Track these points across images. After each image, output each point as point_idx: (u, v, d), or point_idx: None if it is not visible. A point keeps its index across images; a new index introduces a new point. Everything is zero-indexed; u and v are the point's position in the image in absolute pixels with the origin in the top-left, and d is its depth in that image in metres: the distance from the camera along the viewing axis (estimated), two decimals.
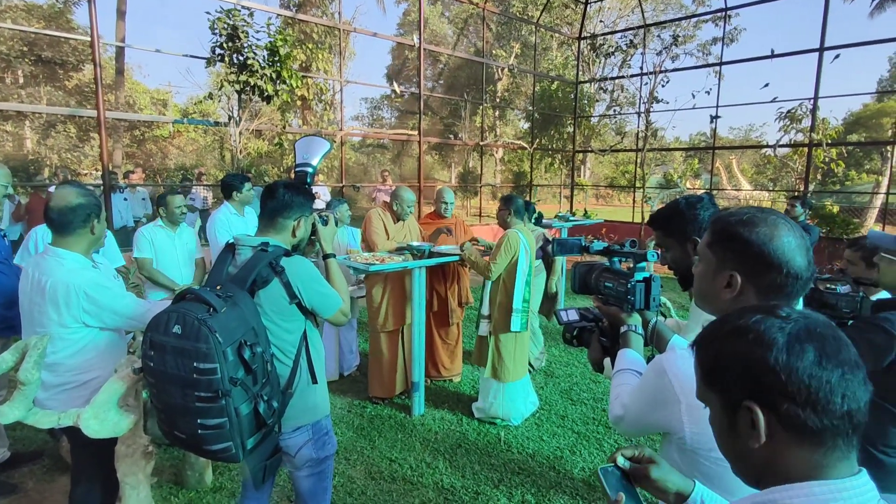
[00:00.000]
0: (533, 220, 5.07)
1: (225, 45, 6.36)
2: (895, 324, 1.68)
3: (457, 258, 4.04)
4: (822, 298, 1.89)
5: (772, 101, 10.64)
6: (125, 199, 7.83)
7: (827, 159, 10.08)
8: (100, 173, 6.74)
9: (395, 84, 11.76)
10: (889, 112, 21.47)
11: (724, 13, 11.75)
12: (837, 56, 9.63)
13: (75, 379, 2.08)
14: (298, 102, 12.89)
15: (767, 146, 11.12)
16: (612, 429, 3.70)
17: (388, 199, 4.46)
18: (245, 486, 2.10)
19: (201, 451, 1.61)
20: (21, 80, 16.23)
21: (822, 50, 9.58)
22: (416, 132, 10.68)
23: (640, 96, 12.64)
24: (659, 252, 1.57)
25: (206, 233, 4.03)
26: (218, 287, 1.72)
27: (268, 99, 6.82)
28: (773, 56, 10.61)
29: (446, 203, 4.57)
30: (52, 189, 5.41)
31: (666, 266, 1.63)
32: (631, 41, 13.13)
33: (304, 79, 9.75)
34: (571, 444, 3.62)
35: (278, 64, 6.65)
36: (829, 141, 9.96)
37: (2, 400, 3.01)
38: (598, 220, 8.63)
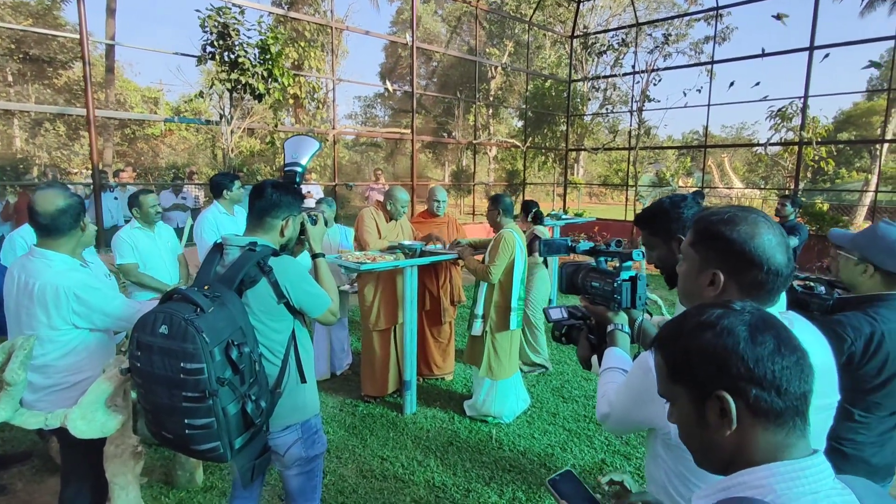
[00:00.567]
0: (530, 218, 5.09)
1: (216, 42, 6.32)
2: (846, 326, 1.69)
3: (449, 257, 4.04)
4: (796, 297, 1.92)
5: (762, 100, 10.73)
6: (115, 199, 7.76)
7: (817, 157, 10.17)
8: (90, 172, 6.68)
9: (388, 82, 11.75)
10: (878, 111, 21.67)
11: (715, 12, 11.81)
12: (827, 55, 9.71)
13: (65, 380, 2.07)
14: (291, 101, 12.83)
15: (758, 144, 11.20)
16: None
17: (381, 197, 4.46)
18: (235, 485, 2.10)
19: (189, 451, 1.61)
20: (9, 78, 16.07)
21: (811, 49, 9.65)
22: (409, 131, 10.67)
23: (633, 95, 12.69)
24: (643, 252, 1.59)
25: (194, 232, 3.98)
26: (205, 287, 1.71)
27: (259, 97, 6.78)
28: (763, 55, 10.69)
29: (438, 201, 4.58)
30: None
31: (653, 265, 1.65)
32: (623, 40, 13.18)
33: (297, 77, 9.72)
34: (562, 442, 3.64)
35: (270, 62, 6.61)
36: (819, 139, 10.04)
37: None
38: (591, 219, 8.67)
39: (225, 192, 3.95)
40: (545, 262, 4.93)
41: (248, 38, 6.48)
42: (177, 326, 1.52)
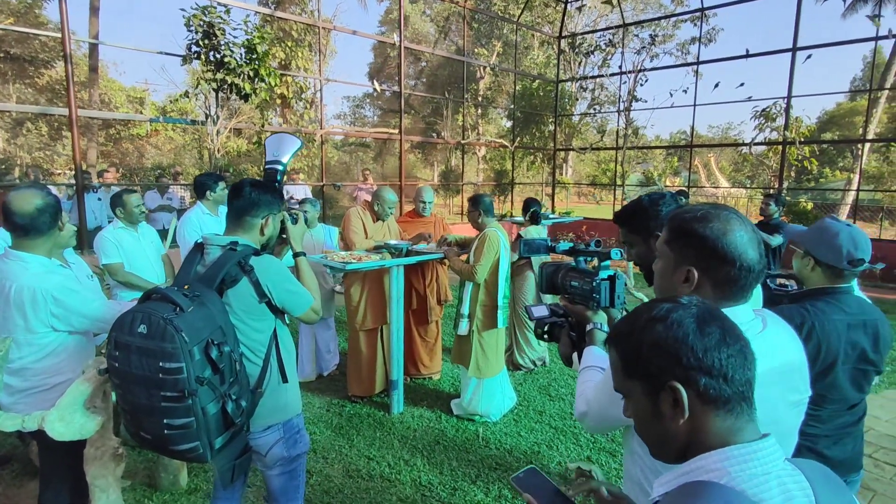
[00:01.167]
0: (528, 217, 5.09)
1: (201, 42, 6.27)
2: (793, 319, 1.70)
3: (435, 257, 4.04)
4: (770, 294, 1.96)
5: (747, 101, 10.86)
6: (99, 199, 7.66)
7: (800, 157, 10.32)
8: (73, 173, 6.59)
9: (376, 82, 11.72)
10: (861, 111, 22.01)
11: (701, 13, 11.93)
12: (809, 56, 9.85)
13: (44, 382, 2.05)
14: (278, 101, 12.76)
15: (743, 144, 11.33)
16: None
17: (369, 198, 4.45)
18: (217, 486, 2.09)
19: (168, 451, 1.60)
20: None
21: (794, 50, 9.79)
22: (397, 131, 10.66)
23: (620, 95, 12.78)
24: (623, 251, 1.60)
25: (177, 232, 3.94)
26: (185, 286, 1.70)
27: (245, 97, 6.74)
28: (748, 56, 10.82)
29: (424, 202, 4.58)
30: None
31: (632, 262, 1.66)
32: (610, 40, 13.27)
33: (284, 77, 9.67)
34: (549, 440, 3.65)
35: (256, 62, 6.57)
36: (802, 139, 10.19)
37: None
38: (578, 218, 8.71)
39: (208, 192, 3.91)
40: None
41: (234, 37, 6.44)
42: (156, 326, 1.51)
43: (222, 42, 6.31)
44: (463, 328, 3.86)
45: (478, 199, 3.90)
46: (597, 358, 1.40)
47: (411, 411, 4.01)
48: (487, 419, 3.88)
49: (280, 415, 1.92)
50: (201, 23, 6.16)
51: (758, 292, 1.55)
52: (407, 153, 12.83)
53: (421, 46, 17.62)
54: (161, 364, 1.49)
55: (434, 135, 21.49)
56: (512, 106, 14.81)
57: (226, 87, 6.49)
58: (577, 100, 15.08)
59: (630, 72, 12.31)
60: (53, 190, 8.26)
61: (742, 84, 10.75)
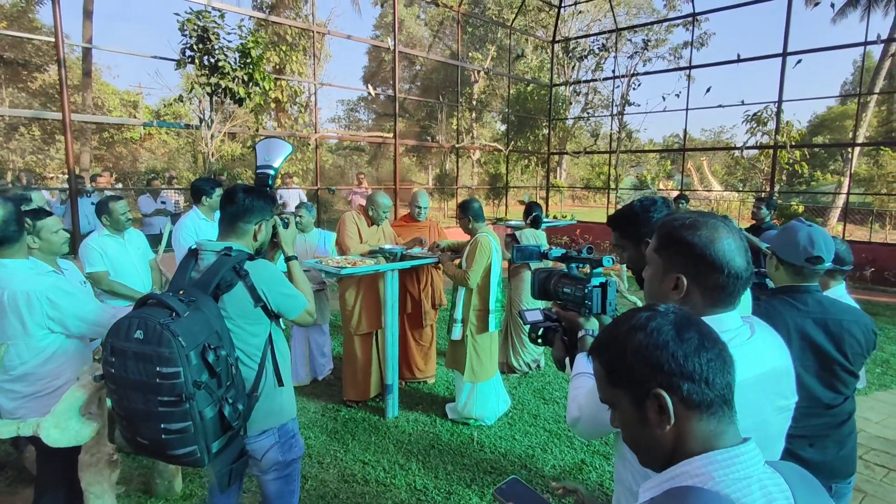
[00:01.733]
0: (529, 221, 5.10)
1: (195, 46, 6.27)
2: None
3: (430, 261, 4.06)
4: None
5: (739, 105, 10.96)
6: (92, 204, 7.63)
7: (791, 161, 10.41)
8: (66, 177, 6.57)
9: (370, 86, 11.74)
10: (851, 115, 22.24)
11: (692, 18, 12.04)
12: (800, 61, 9.95)
13: (47, 387, 2.08)
14: (272, 105, 12.76)
15: (735, 148, 11.43)
16: None
17: (364, 201, 4.46)
18: (212, 491, 2.09)
19: (165, 456, 1.60)
20: None
21: (785, 55, 9.90)
22: (392, 134, 10.68)
23: (613, 99, 12.86)
24: (615, 257, 1.62)
25: (172, 237, 3.93)
26: (181, 292, 1.71)
27: (240, 101, 6.74)
28: (739, 60, 10.92)
29: (419, 207, 4.59)
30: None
31: (625, 266, 1.69)
32: (604, 45, 13.36)
33: (278, 81, 9.67)
34: (543, 443, 3.67)
35: (250, 66, 6.58)
36: (793, 143, 10.29)
37: None
38: (572, 221, 8.75)
39: (204, 198, 3.89)
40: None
41: (229, 42, 6.44)
42: (152, 331, 1.52)
43: (217, 46, 6.31)
44: (456, 333, 3.87)
45: (466, 206, 3.91)
46: (589, 364, 1.41)
47: (406, 415, 4.02)
48: (482, 423, 3.89)
49: (275, 419, 1.93)
50: (196, 27, 6.17)
51: (746, 298, 1.57)
52: (402, 157, 12.87)
53: (415, 51, 17.68)
54: (158, 369, 1.50)
55: (428, 138, 21.52)
56: (506, 110, 14.87)
57: (220, 91, 6.49)
58: (571, 104, 15.17)
59: (623, 76, 12.41)
60: (46, 194, 8.23)
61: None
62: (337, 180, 21.40)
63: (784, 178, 15.51)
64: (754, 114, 10.63)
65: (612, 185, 13.43)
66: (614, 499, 1.32)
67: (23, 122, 15.73)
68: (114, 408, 1.64)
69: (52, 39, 6.13)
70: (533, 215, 5.12)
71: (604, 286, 1.44)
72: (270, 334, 1.90)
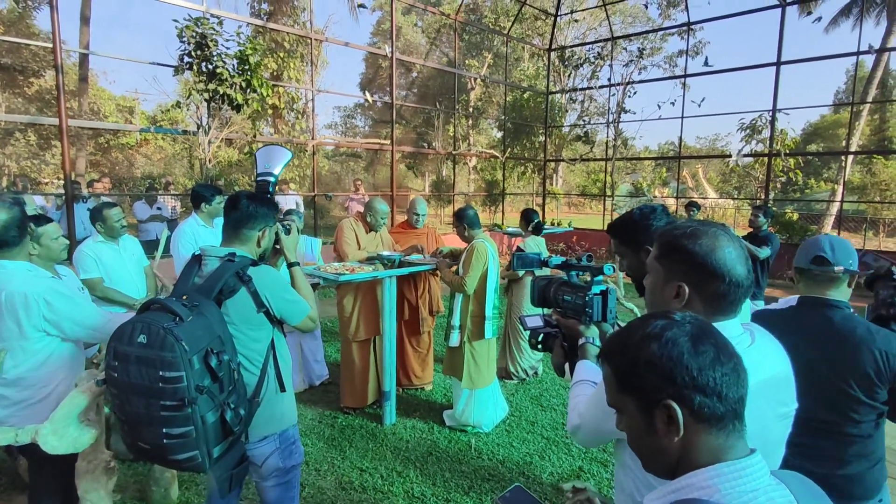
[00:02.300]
0: (531, 228, 5.11)
1: (193, 53, 6.29)
2: None
3: (427, 268, 4.07)
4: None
5: (734, 113, 11.06)
6: (88, 210, 7.61)
7: (786, 169, 10.49)
8: (62, 182, 6.55)
9: (367, 93, 11.79)
10: (844, 123, 22.46)
11: (687, 27, 12.16)
12: (791, 62, 10.04)
13: (38, 393, 2.05)
14: (270, 111, 12.78)
15: (730, 156, 11.52)
16: None
17: (361, 208, 4.47)
18: (211, 497, 2.08)
19: (166, 461, 1.60)
20: None
21: (778, 64, 10.00)
22: (389, 141, 10.71)
23: (609, 107, 12.94)
24: (615, 265, 1.63)
25: (171, 244, 3.92)
26: (184, 297, 1.72)
27: (237, 108, 6.76)
28: (733, 70, 11.03)
29: (418, 214, 4.60)
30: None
31: (624, 273, 1.69)
32: (599, 53, 13.46)
33: (276, 88, 9.69)
34: (541, 450, 3.67)
35: (248, 73, 6.60)
36: (788, 151, 10.37)
37: None
38: (568, 228, 8.78)
39: (203, 204, 3.89)
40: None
41: (227, 48, 6.47)
42: (155, 335, 1.52)
43: (215, 53, 6.34)
44: (454, 340, 3.87)
45: (462, 213, 3.92)
46: (589, 372, 1.42)
47: (404, 422, 4.01)
48: (480, 430, 3.89)
49: (276, 425, 1.93)
50: (194, 34, 6.19)
51: (746, 306, 1.58)
52: (398, 163, 12.89)
53: (412, 58, 17.77)
54: (161, 373, 1.50)
55: (425, 145, 21.58)
56: (503, 117, 14.94)
57: (218, 97, 6.51)
58: (567, 111, 15.26)
59: (619, 84, 12.50)
60: (39, 200, 8.19)
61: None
62: (333, 186, 21.40)
63: (778, 185, 15.62)
64: (749, 122, 10.73)
65: (608, 193, 13.49)
66: None
67: (18, 128, 15.69)
68: (115, 412, 1.64)
69: (50, 45, 6.13)
70: (535, 223, 5.13)
71: (604, 294, 1.45)
72: (273, 340, 1.90)
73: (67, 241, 2.78)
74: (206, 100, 6.56)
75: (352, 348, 4.13)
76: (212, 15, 6.79)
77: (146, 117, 19.36)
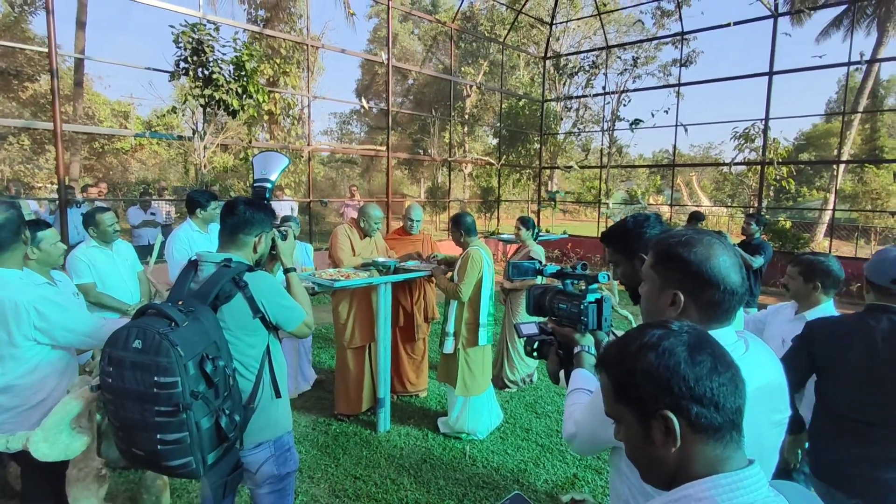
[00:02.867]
0: (534, 237, 5.09)
1: (189, 58, 6.30)
2: None
3: (422, 274, 4.07)
4: None
5: (727, 122, 11.16)
6: (82, 215, 7.57)
7: (778, 177, 10.58)
8: (55, 187, 6.52)
9: (363, 99, 11.82)
10: (836, 132, 22.69)
11: (681, 37, 12.28)
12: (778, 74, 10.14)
13: (28, 400, 2.03)
14: (265, 117, 12.78)
15: (724, 164, 11.61)
16: None
17: (356, 214, 4.47)
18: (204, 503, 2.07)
19: (160, 467, 1.59)
20: None
21: (771, 73, 10.11)
22: (384, 147, 10.72)
23: (604, 115, 13.03)
24: (610, 273, 1.64)
25: (165, 249, 3.90)
26: (179, 302, 1.72)
27: (233, 113, 6.76)
28: (726, 79, 11.14)
29: (412, 221, 4.61)
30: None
31: (618, 281, 1.70)
32: (594, 62, 13.57)
33: (271, 94, 9.71)
34: (535, 457, 3.66)
35: (244, 78, 6.61)
36: (780, 160, 10.46)
37: None
38: (563, 235, 8.80)
39: (199, 210, 3.88)
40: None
41: (223, 54, 6.47)
42: (150, 340, 1.52)
43: (211, 59, 6.34)
44: (448, 347, 3.87)
45: (459, 219, 3.92)
46: (584, 380, 1.42)
47: (398, 429, 4.00)
48: (474, 437, 3.88)
49: (271, 432, 1.92)
50: (190, 39, 6.20)
51: (739, 314, 1.60)
52: (394, 170, 12.91)
53: (408, 65, 17.84)
54: (156, 378, 1.49)
55: (421, 151, 21.62)
56: (498, 124, 15.01)
57: (214, 102, 6.51)
58: (562, 119, 15.35)
59: (613, 92, 12.59)
60: (33, 204, 8.14)
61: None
62: (329, 192, 21.39)
63: (771, 193, 15.74)
64: (742, 131, 10.82)
65: (603, 200, 13.55)
66: None
67: (12, 132, 15.62)
68: (109, 419, 1.63)
69: (45, 49, 6.12)
70: (536, 230, 5.13)
71: (599, 302, 1.45)
72: (268, 346, 1.90)
73: (65, 247, 2.76)
74: (201, 105, 6.56)
75: (347, 355, 4.12)
76: (208, 21, 6.80)
77: (141, 122, 19.31)
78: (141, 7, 6.69)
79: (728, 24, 10.85)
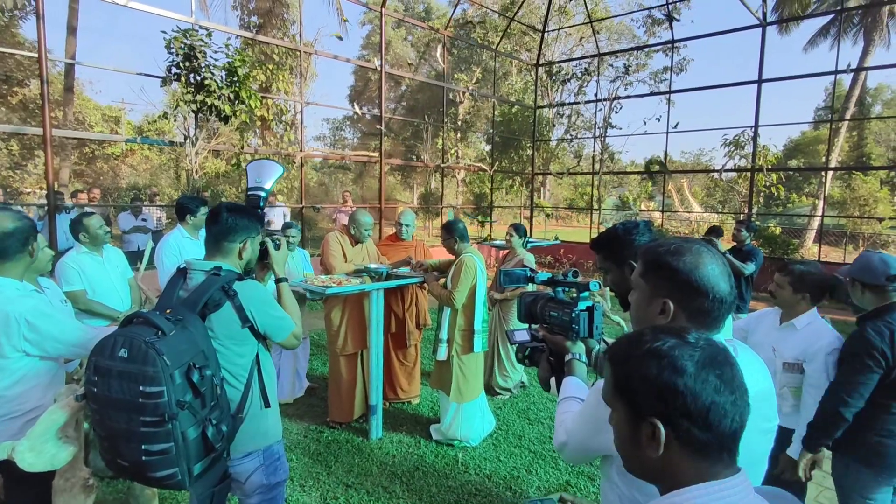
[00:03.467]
0: (524, 244, 5.09)
1: (181, 64, 6.28)
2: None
3: (415, 281, 4.06)
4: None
5: (717, 129, 11.28)
6: (70, 221, 7.50)
7: (768, 184, 10.69)
8: (44, 192, 6.47)
9: (356, 105, 11.82)
10: (824, 140, 22.97)
11: (672, 45, 12.40)
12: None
13: (15, 410, 2.00)
14: (258, 123, 12.76)
15: (714, 171, 11.71)
16: None
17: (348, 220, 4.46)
18: None
19: (145, 478, 1.57)
20: None
21: (760, 82, 10.22)
22: (377, 153, 10.72)
23: (596, 121, 13.11)
24: (600, 281, 1.65)
25: (155, 255, 3.87)
26: (167, 311, 1.70)
27: (225, 119, 6.74)
28: (716, 87, 11.26)
29: (402, 225, 4.60)
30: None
31: (608, 287, 1.71)
32: (586, 69, 13.66)
33: (264, 99, 9.69)
34: (528, 464, 3.65)
35: (237, 84, 6.60)
36: (770, 166, 10.57)
37: None
38: (556, 242, 8.83)
39: (189, 216, 3.85)
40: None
41: (215, 60, 6.46)
42: (137, 349, 1.50)
43: (203, 64, 6.33)
44: (442, 353, 3.86)
45: (452, 226, 3.92)
46: (575, 388, 1.41)
47: (390, 437, 3.98)
48: (467, 444, 3.86)
49: (260, 441, 1.90)
50: (183, 45, 6.18)
51: (728, 321, 1.61)
52: (387, 176, 12.91)
53: (401, 71, 17.88)
54: (141, 388, 1.47)
55: (414, 158, 21.65)
56: (491, 130, 15.06)
57: (206, 108, 6.49)
58: (555, 125, 15.42)
59: (605, 99, 12.68)
60: (25, 212, 8.06)
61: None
62: (321, 198, 21.34)
63: (761, 200, 15.89)
64: (732, 138, 10.93)
65: (595, 206, 13.61)
66: None
67: (1, 137, 15.48)
68: (94, 428, 1.60)
69: (35, 55, 6.08)
70: (526, 240, 5.14)
71: (590, 310, 1.45)
72: (258, 355, 1.88)
73: (52, 253, 2.73)
74: (193, 111, 6.53)
75: (339, 362, 4.10)
76: (200, 27, 6.79)
77: (132, 127, 19.20)
78: (132, 13, 6.68)
79: (718, 33, 10.98)
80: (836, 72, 9.98)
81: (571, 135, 14.44)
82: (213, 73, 6.40)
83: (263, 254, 2.11)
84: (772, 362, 2.47)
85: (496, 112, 15.09)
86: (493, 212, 14.29)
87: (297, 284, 3.71)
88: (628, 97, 12.81)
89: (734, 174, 11.58)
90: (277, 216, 9.41)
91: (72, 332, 2.05)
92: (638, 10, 13.94)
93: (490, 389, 4.82)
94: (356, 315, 4.06)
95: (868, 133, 25.54)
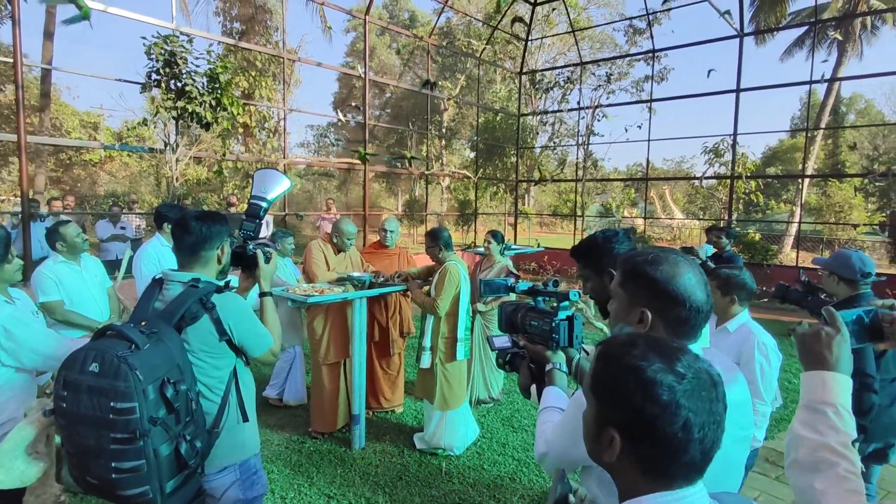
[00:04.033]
0: (501, 251, 5.08)
1: (161, 70, 6.21)
2: None
3: (398, 289, 4.04)
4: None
5: (697, 137, 11.48)
6: (46, 229, 7.34)
7: (747, 191, 10.89)
8: (18, 200, 6.33)
9: (340, 112, 11.78)
10: (800, 147, 23.47)
11: (653, 54, 12.61)
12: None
13: None
14: (240, 130, 12.65)
15: (695, 178, 11.91)
16: None
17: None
18: None
19: (115, 497, 1.52)
20: None
21: (738, 91, 10.43)
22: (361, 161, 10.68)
23: (579, 129, 13.26)
24: (580, 290, 1.65)
25: (133, 264, 3.80)
26: (142, 323, 1.66)
27: (206, 126, 6.67)
28: (696, 95, 11.46)
29: (386, 231, 4.58)
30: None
31: (588, 295, 1.72)
32: (569, 77, 13.83)
33: (246, 106, 9.62)
34: (512, 472, 3.64)
35: (218, 91, 6.54)
36: (748, 174, 10.78)
37: None
38: (540, 248, 8.87)
39: (166, 225, 3.80)
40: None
41: (197, 66, 6.40)
42: (109, 364, 1.45)
43: (184, 71, 6.26)
44: (425, 361, 3.84)
45: (437, 234, 3.91)
46: (556, 398, 1.41)
47: (373, 446, 3.94)
48: (451, 452, 3.84)
49: (237, 455, 1.86)
50: (163, 51, 6.11)
51: (706, 331, 1.62)
52: (371, 183, 12.89)
53: (385, 79, 17.90)
54: (112, 404, 1.43)
55: (398, 165, 21.66)
56: (475, 137, 15.13)
57: (186, 115, 6.42)
58: (538, 133, 15.57)
59: (588, 107, 12.83)
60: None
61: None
62: (305, 206, 21.19)
63: (741, 206, 16.17)
64: (712, 146, 11.13)
65: (579, 213, 13.74)
66: None
67: None
68: (63, 444, 1.56)
69: (10, 60, 5.97)
70: (504, 245, 5.16)
71: (570, 319, 1.46)
72: (235, 368, 1.84)
73: (21, 262, 2.66)
74: (174, 118, 6.45)
75: (322, 371, 4.05)
76: (181, 33, 6.72)
77: (111, 134, 18.88)
78: (111, 18, 6.57)
79: (697, 43, 11.19)
80: (812, 82, 10.23)
81: (555, 142, 14.58)
82: (194, 80, 6.34)
83: (252, 265, 2.07)
84: None
85: (481, 119, 15.17)
86: (478, 218, 14.33)
87: (278, 293, 3.67)
88: (610, 105, 12.99)
89: (714, 181, 11.77)
90: (268, 223, 9.33)
91: (48, 344, 2.00)
92: (619, 20, 14.13)
93: (473, 401, 4.77)
94: (339, 324, 4.02)
95: (843, 141, 26.18)
